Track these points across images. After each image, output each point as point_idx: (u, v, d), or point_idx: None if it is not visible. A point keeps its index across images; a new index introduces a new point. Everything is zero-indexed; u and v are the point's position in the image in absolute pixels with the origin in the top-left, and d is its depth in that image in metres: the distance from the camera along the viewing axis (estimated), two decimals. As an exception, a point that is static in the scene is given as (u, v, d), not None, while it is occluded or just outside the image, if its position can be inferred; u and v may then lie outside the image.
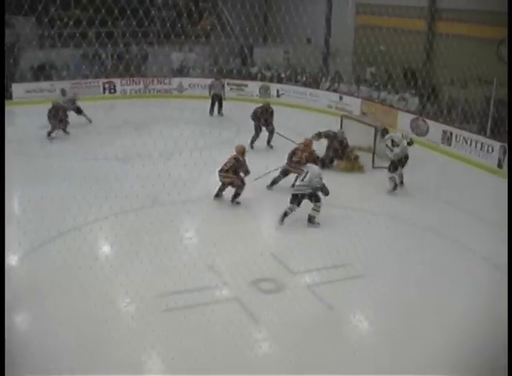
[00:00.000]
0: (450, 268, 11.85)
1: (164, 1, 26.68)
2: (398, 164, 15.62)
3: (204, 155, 13.83)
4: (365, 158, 17.79)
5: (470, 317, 10.20)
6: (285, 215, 13.25)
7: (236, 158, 14.35)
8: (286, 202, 13.26)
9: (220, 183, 14.58)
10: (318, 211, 13.50)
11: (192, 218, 13.40)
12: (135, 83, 27.02)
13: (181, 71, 28.29)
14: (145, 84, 27.13)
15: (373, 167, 17.67)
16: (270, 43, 28.37)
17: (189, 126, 19.18)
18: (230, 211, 13.89)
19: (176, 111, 22.64)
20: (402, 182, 16.05)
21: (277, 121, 19.17)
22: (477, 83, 20.10)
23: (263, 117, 19.25)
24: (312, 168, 13.74)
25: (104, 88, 26.60)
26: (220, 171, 14.40)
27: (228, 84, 26.47)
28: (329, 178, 15.14)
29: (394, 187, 15.72)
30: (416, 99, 22.55)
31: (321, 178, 13.49)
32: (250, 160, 14.55)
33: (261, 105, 19.72)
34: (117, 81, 26.66)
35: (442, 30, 22.84)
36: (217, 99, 23.84)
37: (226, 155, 14.57)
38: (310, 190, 13.34)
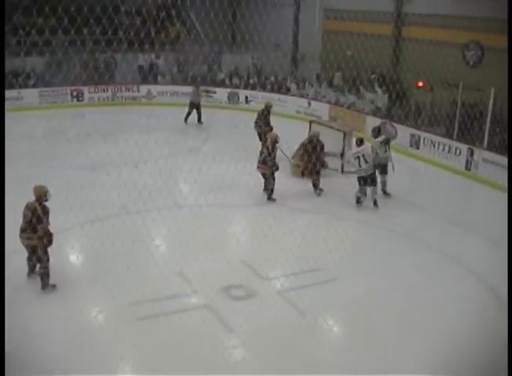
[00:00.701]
0: (422, 270, 11.92)
1: (129, 8, 26.59)
2: (366, 179, 15.39)
3: (172, 163, 13.81)
4: (334, 163, 17.81)
5: (443, 319, 10.30)
6: (358, 200, 15.05)
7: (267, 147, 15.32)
8: (252, 209, 13.25)
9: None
10: (376, 193, 15.13)
11: (159, 227, 13.29)
12: (103, 90, 26.80)
13: (147, 74, 28.11)
14: (113, 91, 26.92)
15: (343, 172, 17.67)
16: (238, 49, 28.40)
17: (158, 134, 19.03)
18: (198, 218, 13.81)
19: (145, 119, 22.54)
20: (385, 192, 16.12)
21: (246, 127, 19.12)
22: (444, 87, 20.25)
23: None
24: (367, 149, 15.15)
25: (72, 96, 26.32)
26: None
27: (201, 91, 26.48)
28: (298, 185, 15.22)
29: (358, 201, 15.45)
30: (386, 102, 22.67)
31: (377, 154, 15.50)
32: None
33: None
34: (84, 89, 26.40)
35: (409, 35, 23.02)
36: (195, 108, 23.43)
37: (195, 162, 14.48)
38: (372, 171, 15.00)
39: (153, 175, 13.64)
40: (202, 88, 24.45)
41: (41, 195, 10.46)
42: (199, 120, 23.42)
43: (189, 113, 23.36)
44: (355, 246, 12.18)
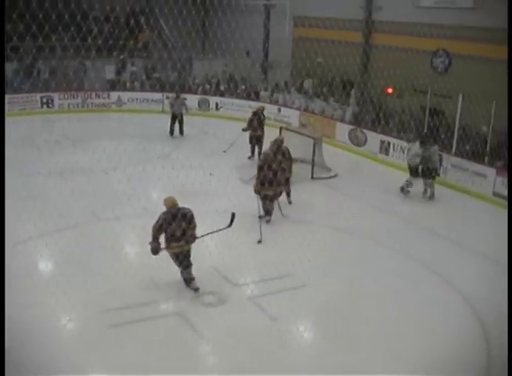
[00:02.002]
0: (392, 276, 11.97)
1: (98, 15, 26.46)
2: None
3: (141, 170, 13.79)
4: (304, 169, 17.88)
5: (413, 324, 10.38)
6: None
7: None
8: (224, 215, 13.22)
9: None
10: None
11: (129, 234, 13.23)
12: (73, 97, 26.61)
13: (114, 84, 27.98)
14: (83, 98, 26.75)
15: (312, 178, 17.76)
16: (209, 56, 28.43)
17: (128, 140, 19.00)
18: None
19: (115, 125, 22.43)
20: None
21: (216, 133, 19.15)
22: (413, 93, 20.45)
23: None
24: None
25: (42, 103, 26.10)
26: None
27: (167, 97, 26.40)
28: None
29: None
30: (356, 109, 22.83)
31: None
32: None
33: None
34: (54, 95, 26.18)
35: (378, 42, 23.22)
36: (177, 118, 22.69)
37: (167, 170, 14.41)
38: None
39: (122, 182, 13.58)
40: (182, 96, 23.56)
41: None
42: (180, 132, 22.71)
43: (173, 124, 22.68)
44: (323, 251, 12.21)
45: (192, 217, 10.71)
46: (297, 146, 18.17)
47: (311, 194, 15.89)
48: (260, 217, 13.73)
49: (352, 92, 23.49)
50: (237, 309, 10.58)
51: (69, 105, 26.56)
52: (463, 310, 10.99)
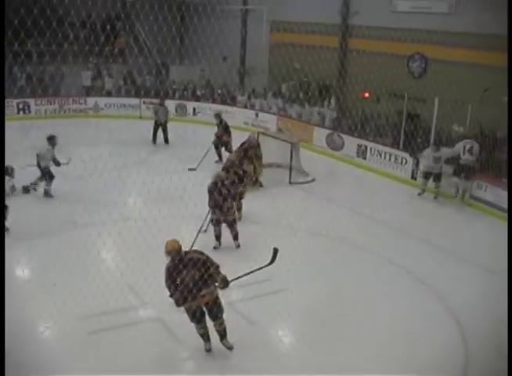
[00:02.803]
0: (371, 279, 12.07)
1: (74, 20, 26.32)
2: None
3: (118, 176, 13.69)
4: (282, 174, 17.92)
5: (392, 328, 10.48)
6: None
7: None
8: (198, 220, 13.25)
9: None
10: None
11: (106, 240, 13.15)
12: (50, 103, 26.45)
13: (90, 90, 27.88)
14: (60, 104, 26.58)
15: (290, 183, 17.80)
16: (186, 62, 28.40)
17: (104, 146, 18.85)
18: (143, 231, 13.68)
19: (92, 131, 22.31)
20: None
21: (194, 139, 19.13)
22: (390, 97, 20.58)
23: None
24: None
25: (18, 109, 25.91)
26: None
27: (144, 103, 26.36)
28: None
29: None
30: (333, 113, 22.95)
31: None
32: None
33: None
34: (31, 101, 26.01)
35: (355, 47, 23.33)
36: (161, 126, 22.44)
37: (143, 175, 14.34)
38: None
39: (99, 188, 13.50)
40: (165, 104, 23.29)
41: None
42: (166, 140, 22.44)
43: (155, 132, 22.41)
44: (302, 256, 12.23)
45: (205, 262, 9.12)
46: (274, 151, 18.27)
47: (289, 199, 15.87)
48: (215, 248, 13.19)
49: (332, 100, 23.60)
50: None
51: (46, 111, 26.38)
52: (436, 308, 11.20)
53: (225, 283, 9.22)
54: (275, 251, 9.57)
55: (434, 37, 19.83)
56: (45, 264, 11.64)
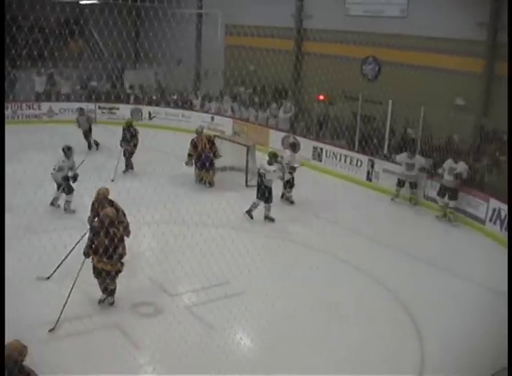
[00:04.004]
0: (327, 280, 12.15)
1: (29, 24, 25.99)
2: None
3: (79, 181, 13.63)
4: (238, 177, 17.96)
5: (350, 327, 10.62)
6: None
7: None
8: (155, 225, 13.19)
9: None
10: None
11: (64, 246, 13.02)
12: (2, 108, 26.06)
13: (41, 95, 27.55)
14: (13, 109, 26.20)
15: (247, 185, 17.84)
16: (142, 65, 28.27)
17: (60, 152, 18.71)
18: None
19: (46, 137, 22.04)
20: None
21: (149, 143, 18.99)
22: (344, 100, 20.76)
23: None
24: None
25: (-31, 115, 25.50)
26: None
27: (99, 107, 26.16)
28: (199, 196, 15.18)
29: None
30: (288, 116, 23.06)
31: None
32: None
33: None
34: (-18, 107, 25.62)
35: (309, 50, 23.49)
36: (85, 136, 22.05)
37: (99, 181, 14.24)
38: None
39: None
40: (89, 113, 23.23)
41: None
42: (89, 146, 22.04)
43: (87, 139, 22.12)
44: (261, 259, 12.26)
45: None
46: (230, 154, 18.31)
47: (247, 202, 15.92)
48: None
49: (288, 102, 23.71)
50: (174, 318, 10.49)
51: (-2, 116, 25.95)
52: (391, 304, 11.44)
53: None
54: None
55: (387, 41, 20.07)
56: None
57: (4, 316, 7.01)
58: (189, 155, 18.01)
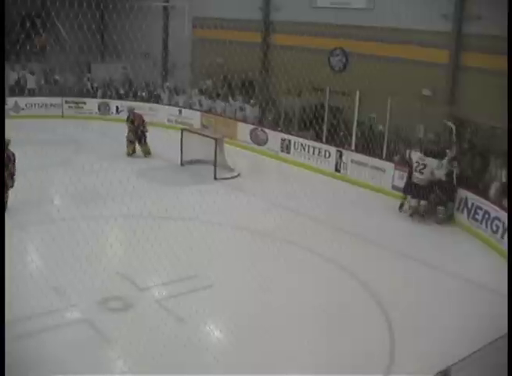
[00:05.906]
0: (297, 273, 12.16)
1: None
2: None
3: (42, 176, 13.48)
4: (207, 170, 17.93)
5: (320, 320, 10.60)
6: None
7: None
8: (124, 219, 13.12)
9: None
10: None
11: (33, 241, 12.91)
12: (-35, 104, 25.64)
13: (15, 90, 27.18)
14: (-24, 105, 25.82)
15: (215, 178, 17.83)
16: (109, 59, 28.06)
17: (28, 147, 18.47)
18: (70, 230, 13.49)
19: (13, 132, 21.76)
20: None
21: (116, 137, 18.97)
22: (312, 92, 20.78)
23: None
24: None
25: None
26: None
27: (66, 102, 25.92)
28: (166, 190, 15.09)
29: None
30: (256, 108, 23.05)
31: None
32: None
33: None
34: None
35: (277, 42, 23.49)
36: None
37: (66, 175, 14.12)
38: None
39: (24, 189, 13.23)
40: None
41: None
42: None
43: None
44: (230, 251, 12.30)
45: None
46: (198, 147, 18.29)
47: (216, 195, 15.88)
48: None
49: (255, 95, 23.71)
50: (145, 312, 10.51)
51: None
52: (364, 299, 11.42)
53: None
54: None
55: (355, 32, 20.14)
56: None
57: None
58: (130, 142, 19.93)
